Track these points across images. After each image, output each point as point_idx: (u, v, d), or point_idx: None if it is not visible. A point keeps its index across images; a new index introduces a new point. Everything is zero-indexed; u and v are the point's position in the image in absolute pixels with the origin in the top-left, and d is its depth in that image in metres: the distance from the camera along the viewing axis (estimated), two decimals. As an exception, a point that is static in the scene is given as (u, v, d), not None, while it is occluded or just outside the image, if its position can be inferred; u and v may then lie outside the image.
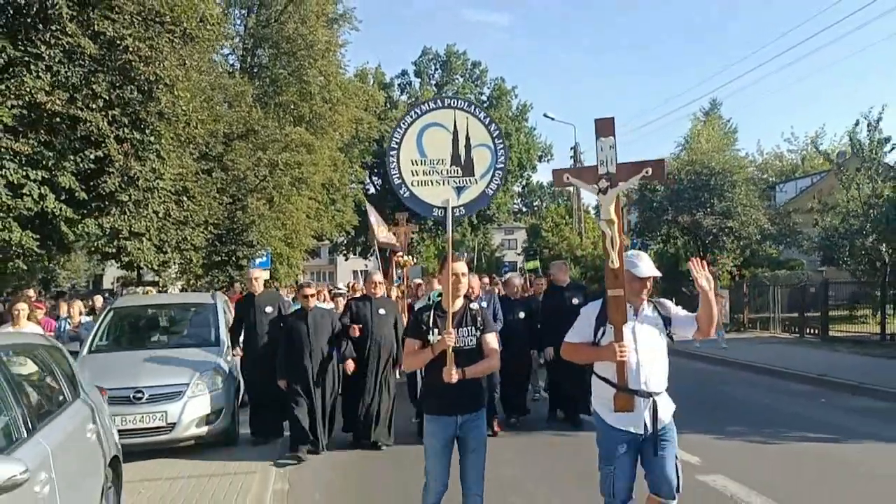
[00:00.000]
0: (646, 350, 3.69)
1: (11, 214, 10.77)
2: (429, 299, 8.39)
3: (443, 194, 4.55)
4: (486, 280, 10.42)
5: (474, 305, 4.10)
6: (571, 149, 36.48)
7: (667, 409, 3.74)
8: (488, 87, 49.18)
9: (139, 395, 6.86)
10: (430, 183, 4.59)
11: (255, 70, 26.98)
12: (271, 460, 6.87)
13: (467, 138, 4.63)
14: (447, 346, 3.82)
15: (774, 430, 7.73)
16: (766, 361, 13.00)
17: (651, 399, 3.65)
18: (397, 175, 4.62)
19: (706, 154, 22.30)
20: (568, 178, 4.10)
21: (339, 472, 6.70)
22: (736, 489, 5.58)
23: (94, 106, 11.16)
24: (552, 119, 36.94)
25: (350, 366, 7.22)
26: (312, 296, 7.29)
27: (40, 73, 10.81)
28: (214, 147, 19.31)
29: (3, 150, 10.53)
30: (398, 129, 4.71)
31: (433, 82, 49.59)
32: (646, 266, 3.79)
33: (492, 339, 4.03)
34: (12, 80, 10.68)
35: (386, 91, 44.95)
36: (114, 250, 13.34)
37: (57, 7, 10.63)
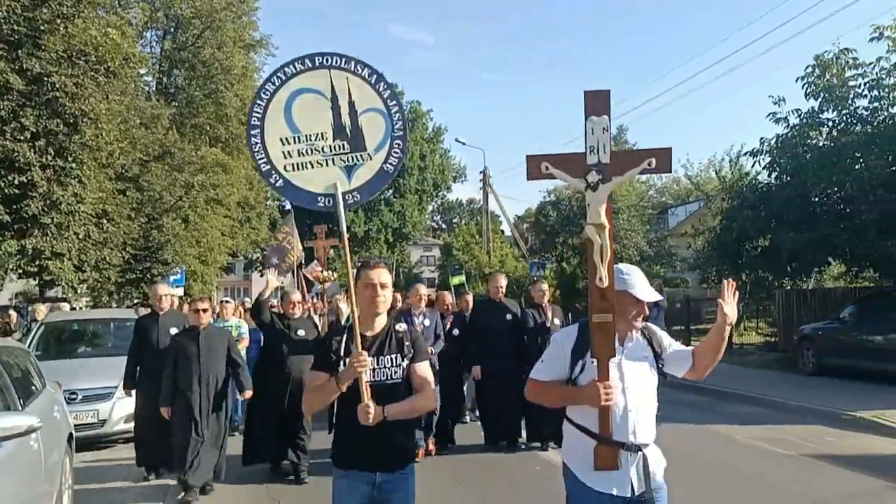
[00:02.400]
0: (635, 391, 2.93)
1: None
2: (347, 320, 7.21)
3: (328, 178, 3.55)
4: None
5: (401, 327, 3.18)
6: (481, 172, 38.79)
7: (659, 463, 3.00)
8: (404, 108, 51.16)
9: (74, 395, 8.05)
10: (308, 165, 3.57)
11: (172, 91, 27.76)
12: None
13: (351, 104, 3.61)
14: (358, 374, 2.92)
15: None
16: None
17: (640, 453, 2.90)
18: (264, 160, 3.58)
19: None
20: (547, 168, 3.12)
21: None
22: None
23: (21, 137, 12.14)
24: (463, 143, 39.13)
25: (248, 395, 6.74)
26: (205, 311, 6.43)
27: (-30, 108, 11.74)
28: (130, 168, 20.18)
29: (-67, 177, 11.39)
30: (258, 102, 3.65)
31: (350, 102, 51.15)
32: (644, 285, 3.00)
33: (424, 370, 3.12)
34: (-57, 115, 11.58)
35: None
36: (36, 269, 14.19)
37: (-15, 50, 11.62)
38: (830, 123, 12.73)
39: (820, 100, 12.62)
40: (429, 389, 3.13)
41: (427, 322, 7.48)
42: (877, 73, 12.44)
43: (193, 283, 28.04)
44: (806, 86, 12.58)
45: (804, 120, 12.76)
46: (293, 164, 3.62)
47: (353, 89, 3.66)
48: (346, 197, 3.61)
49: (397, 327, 3.17)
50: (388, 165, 3.69)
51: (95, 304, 21.36)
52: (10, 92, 12.10)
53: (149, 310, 8.22)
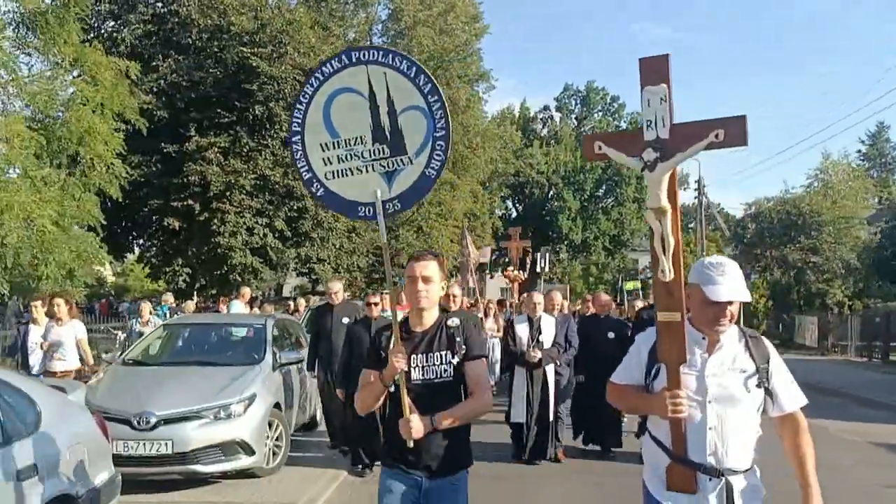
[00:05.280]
0: (720, 406, 2.51)
1: (248, 247, 16.87)
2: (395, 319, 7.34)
3: (368, 185, 3.34)
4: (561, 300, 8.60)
5: (453, 322, 2.97)
6: (696, 182, 38.87)
7: (749, 496, 2.54)
8: (625, 121, 52.46)
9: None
10: (348, 172, 3.37)
11: (411, 121, 32.94)
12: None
13: (390, 102, 3.33)
14: (396, 370, 2.80)
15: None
16: (796, 376, 16.03)
17: (723, 480, 2.50)
18: (306, 168, 3.43)
19: (800, 197, 25.05)
20: (600, 148, 2.84)
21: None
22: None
23: (296, 176, 17.01)
24: (677, 154, 39.75)
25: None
26: (376, 304, 6.99)
27: (266, 156, 16.82)
28: (376, 189, 25.21)
29: (245, 206, 16.63)
30: (298, 107, 3.47)
31: (573, 116, 53.88)
32: (728, 283, 2.48)
33: (479, 369, 2.92)
34: (251, 162, 16.81)
35: (530, 124, 50.46)
36: (306, 271, 19.28)
37: (277, 115, 16.59)
38: None
39: None
40: (483, 391, 2.88)
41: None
42: None
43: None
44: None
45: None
46: (333, 172, 3.41)
47: (391, 86, 3.33)
48: (387, 205, 3.35)
49: (449, 322, 2.97)
50: (429, 170, 3.32)
51: (353, 297, 26.97)
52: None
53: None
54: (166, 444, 5.89)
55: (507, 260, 32.87)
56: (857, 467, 7.49)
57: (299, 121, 3.43)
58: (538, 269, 18.11)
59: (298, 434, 8.09)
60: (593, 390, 6.48)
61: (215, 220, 16.72)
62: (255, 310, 13.68)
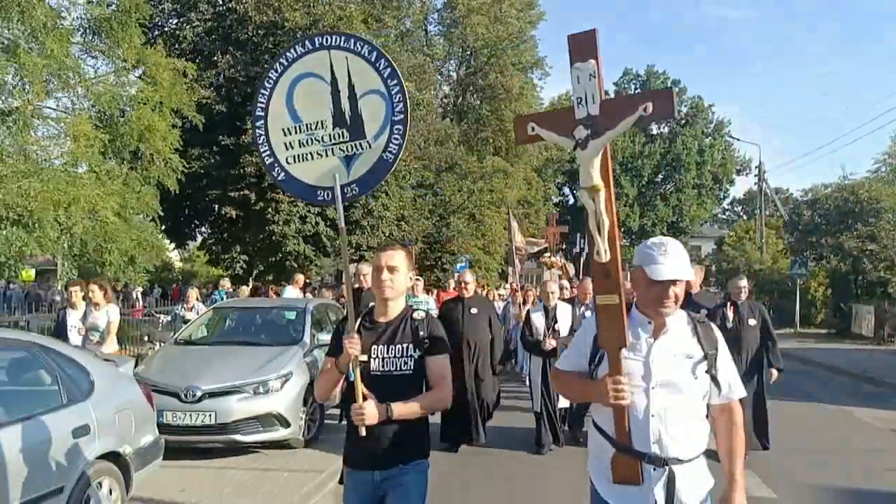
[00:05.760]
0: (664, 391, 2.44)
1: (301, 235, 17.64)
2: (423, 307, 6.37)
3: (327, 169, 3.38)
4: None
5: (419, 314, 2.94)
6: (756, 167, 38.05)
7: (694, 487, 2.47)
8: (686, 105, 51.33)
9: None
10: (309, 156, 3.42)
11: (465, 110, 33.32)
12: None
13: (350, 86, 3.37)
14: (349, 358, 2.78)
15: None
16: (846, 365, 15.79)
17: (667, 469, 2.42)
18: (268, 152, 3.47)
19: (859, 184, 24.23)
20: (533, 129, 2.75)
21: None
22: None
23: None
24: (738, 140, 38.90)
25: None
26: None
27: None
28: (428, 178, 25.72)
29: (297, 196, 17.40)
30: (262, 92, 3.52)
31: (632, 101, 53.07)
32: (670, 263, 2.43)
33: (441, 364, 2.90)
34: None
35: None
36: (357, 258, 19.97)
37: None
38: None
39: None
40: (443, 386, 2.87)
41: (588, 314, 7.47)
42: None
43: (478, 269, 33.40)
44: None
45: None
46: (294, 156, 3.46)
47: (352, 71, 3.39)
48: (345, 190, 3.37)
49: (415, 315, 2.93)
50: (387, 154, 3.35)
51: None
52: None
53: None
54: (210, 415, 6.51)
55: (563, 246, 33.01)
56: (871, 452, 7.53)
57: (263, 106, 3.52)
58: (577, 251, 18.30)
59: (334, 410, 8.64)
60: None
61: (270, 210, 17.55)
62: (308, 294, 14.39)
